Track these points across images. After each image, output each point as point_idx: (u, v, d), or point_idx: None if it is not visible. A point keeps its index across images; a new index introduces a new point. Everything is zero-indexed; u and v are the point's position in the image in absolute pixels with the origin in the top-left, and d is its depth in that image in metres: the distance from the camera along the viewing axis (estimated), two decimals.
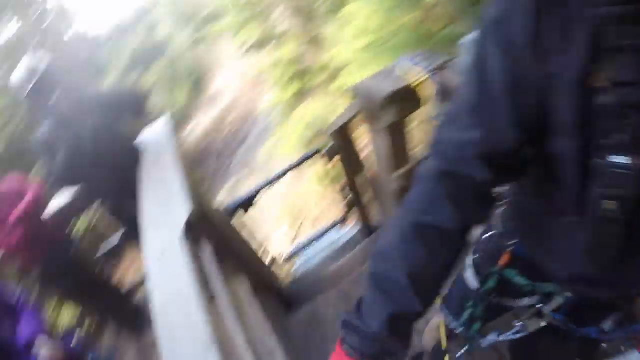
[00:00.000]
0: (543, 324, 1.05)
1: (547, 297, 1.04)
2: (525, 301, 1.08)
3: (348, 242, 4.28)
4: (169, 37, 14.65)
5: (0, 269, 3.49)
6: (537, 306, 1.06)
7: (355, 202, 3.62)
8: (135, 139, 2.72)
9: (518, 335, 1.09)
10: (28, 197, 2.88)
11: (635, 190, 0.63)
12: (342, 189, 3.66)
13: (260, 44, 8.83)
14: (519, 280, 1.03)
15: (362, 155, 3.12)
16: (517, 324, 1.09)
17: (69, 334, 2.32)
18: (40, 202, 2.97)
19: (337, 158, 3.31)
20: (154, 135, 2.60)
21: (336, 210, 5.20)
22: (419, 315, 0.78)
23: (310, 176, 3.72)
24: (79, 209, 3.65)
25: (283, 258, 3.97)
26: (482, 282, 1.12)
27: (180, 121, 14.30)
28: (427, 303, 0.78)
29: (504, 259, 1.05)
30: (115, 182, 2.71)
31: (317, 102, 7.88)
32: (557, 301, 1.01)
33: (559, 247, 0.89)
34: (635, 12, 0.56)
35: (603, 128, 0.63)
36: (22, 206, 2.83)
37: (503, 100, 0.71)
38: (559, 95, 0.65)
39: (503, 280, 1.08)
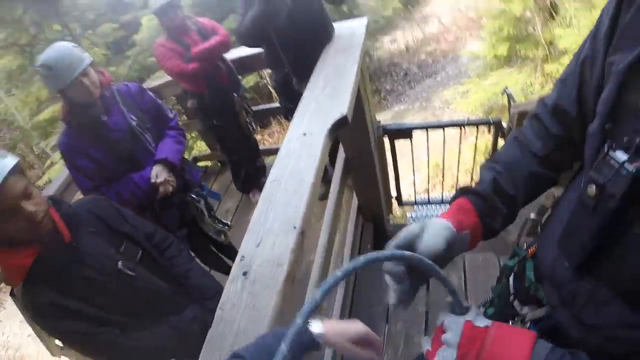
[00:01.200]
0: None
1: (538, 305, 1.02)
2: (525, 310, 1.06)
3: None
4: None
5: (168, 89, 3.97)
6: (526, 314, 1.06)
7: None
8: (328, 20, 2.77)
9: None
10: (216, 38, 3.21)
11: (619, 188, 0.66)
12: None
13: None
14: (530, 275, 1.02)
15: None
16: None
17: (194, 167, 2.62)
18: (225, 47, 3.28)
19: (504, 139, 3.13)
20: (348, 29, 2.63)
21: None
22: (510, 200, 0.94)
23: (474, 142, 3.56)
24: (253, 66, 3.96)
25: (406, 200, 3.98)
26: (510, 258, 1.16)
27: (383, 28, 14.20)
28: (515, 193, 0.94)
29: (532, 249, 1.06)
30: (295, 55, 2.84)
31: (522, 74, 7.29)
32: (540, 312, 0.98)
33: (547, 235, 0.95)
34: None
35: (624, 124, 0.67)
36: (208, 43, 3.17)
37: (576, 75, 0.82)
38: (608, 83, 0.71)
39: (521, 270, 1.08)
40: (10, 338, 7.03)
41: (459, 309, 0.79)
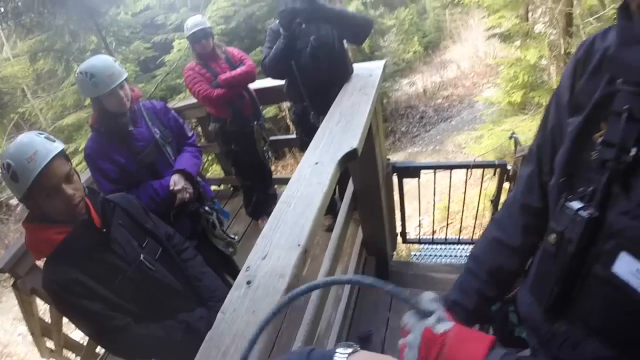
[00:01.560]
0: None
1: (522, 347, 1.06)
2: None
3: None
4: None
5: (190, 111, 4.15)
6: None
7: None
8: (347, 60, 2.93)
9: None
10: (243, 68, 3.41)
11: (575, 233, 0.73)
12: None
13: (508, 35, 8.37)
14: (512, 317, 1.10)
15: None
16: None
17: (208, 182, 2.77)
18: (250, 77, 3.47)
19: (508, 184, 3.21)
20: (366, 70, 2.79)
21: (481, 230, 5.04)
22: (496, 299, 1.08)
23: (484, 186, 3.65)
24: (275, 97, 4.12)
25: (410, 239, 4.05)
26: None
27: (403, 71, 14.51)
28: (500, 292, 1.07)
29: (515, 291, 1.12)
30: (314, 90, 3.00)
31: (535, 121, 7.39)
32: (526, 352, 1.03)
33: (526, 281, 1.01)
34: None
35: (579, 176, 0.77)
36: (235, 72, 3.37)
37: (548, 142, 0.90)
38: (564, 142, 0.81)
39: (505, 312, 1.14)
40: (0, 334, 7.07)
41: (422, 315, 0.84)
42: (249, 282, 1.18)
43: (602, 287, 0.72)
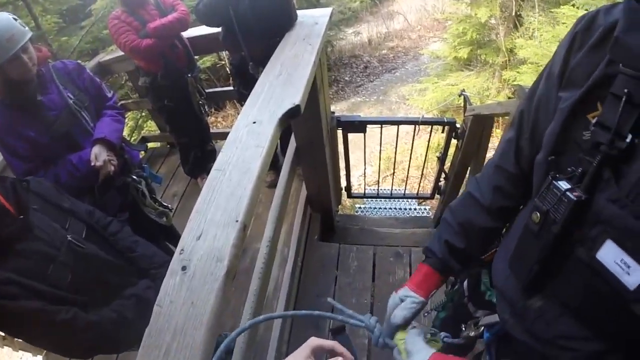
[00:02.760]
0: (472, 333, 1.13)
1: (491, 310, 1.10)
2: (479, 313, 1.16)
3: (415, 219, 4.24)
4: None
5: (119, 64, 3.80)
6: (480, 317, 1.15)
7: (444, 191, 3.52)
8: (291, 7, 2.72)
9: (457, 342, 1.16)
10: (175, 14, 3.08)
11: (561, 214, 0.72)
12: (442, 172, 3.56)
13: None
14: (486, 281, 1.14)
15: (480, 156, 2.95)
16: (462, 334, 1.18)
17: (134, 147, 2.52)
18: (183, 25, 3.16)
19: (456, 141, 3.19)
20: (311, 18, 2.58)
21: (427, 184, 5.11)
22: (464, 252, 1.10)
23: (426, 140, 3.65)
24: (211, 47, 3.84)
25: (355, 193, 4.01)
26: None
27: (348, 20, 14.23)
28: (469, 247, 1.09)
29: (489, 256, 1.17)
30: (253, 39, 2.79)
31: (480, 78, 7.50)
32: (494, 318, 1.06)
33: (502, 250, 1.04)
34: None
35: (569, 155, 0.75)
36: (166, 19, 3.04)
37: (531, 113, 0.89)
38: (555, 118, 0.78)
39: (476, 274, 1.20)
40: None
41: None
42: (184, 268, 1.03)
43: (583, 270, 0.72)
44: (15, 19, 1.90)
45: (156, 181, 2.58)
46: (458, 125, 3.15)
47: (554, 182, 0.75)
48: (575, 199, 0.70)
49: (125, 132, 5.63)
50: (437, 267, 1.12)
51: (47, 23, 7.00)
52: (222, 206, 1.16)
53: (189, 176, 3.99)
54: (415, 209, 4.97)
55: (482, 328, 1.11)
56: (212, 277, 1.00)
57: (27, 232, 1.43)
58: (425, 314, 1.30)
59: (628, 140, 0.63)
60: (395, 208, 5.04)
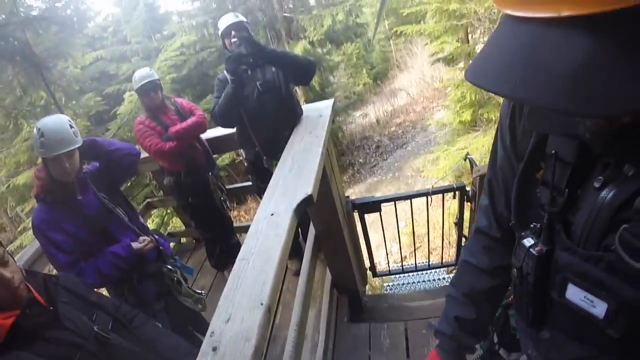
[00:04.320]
0: None
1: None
2: (514, 356, 1.16)
3: (446, 288, 4.20)
4: (368, 23, 15.15)
5: (144, 165, 4.05)
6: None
7: None
8: (296, 102, 2.99)
9: None
10: (193, 118, 3.40)
11: (530, 268, 0.80)
12: (462, 237, 3.61)
13: (452, 58, 8.71)
14: (513, 322, 1.13)
15: None
16: None
17: (166, 239, 2.70)
18: (201, 127, 3.46)
19: (470, 204, 3.28)
20: (315, 111, 2.84)
21: (452, 251, 5.11)
22: (477, 322, 1.13)
23: (447, 206, 3.75)
24: (228, 146, 4.14)
25: (380, 271, 4.06)
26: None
27: (354, 103, 14.86)
28: (480, 314, 1.13)
29: (510, 298, 1.16)
30: (264, 135, 3.03)
31: (487, 137, 7.63)
32: (524, 357, 1.07)
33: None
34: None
35: (531, 212, 0.82)
36: (185, 123, 3.36)
37: (499, 182, 0.96)
38: (513, 184, 0.85)
39: (506, 317, 1.18)
40: None
41: None
42: (214, 349, 1.13)
43: (563, 308, 0.78)
44: (71, 126, 2.17)
45: (188, 272, 2.71)
46: (468, 189, 3.25)
47: (521, 240, 0.82)
48: (537, 254, 0.78)
49: (152, 228, 5.87)
50: (447, 348, 1.15)
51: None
52: (248, 292, 1.28)
53: (216, 269, 4.10)
54: (444, 278, 4.93)
55: None
56: (241, 355, 1.08)
57: (57, 322, 1.51)
58: None
59: (566, 195, 0.72)
60: (424, 281, 5.01)
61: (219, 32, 3.05)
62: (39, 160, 2.21)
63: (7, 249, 1.38)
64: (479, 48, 7.75)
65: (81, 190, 2.26)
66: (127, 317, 1.89)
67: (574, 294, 0.73)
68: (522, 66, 0.47)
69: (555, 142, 0.73)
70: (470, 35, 8.16)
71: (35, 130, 2.12)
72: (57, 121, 2.14)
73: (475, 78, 0.51)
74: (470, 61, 0.58)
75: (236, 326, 1.18)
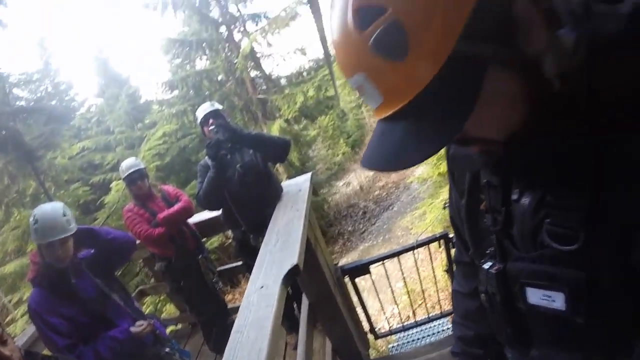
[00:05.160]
0: None
1: None
2: None
3: (451, 336, 4.19)
4: (339, 94, 15.84)
5: (135, 252, 4.14)
6: None
7: None
8: (275, 180, 3.16)
9: None
10: (180, 204, 3.56)
11: (494, 287, 0.88)
12: None
13: None
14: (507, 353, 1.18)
15: None
16: None
17: (162, 323, 2.73)
18: (188, 212, 3.61)
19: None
20: (295, 186, 3.01)
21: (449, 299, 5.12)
22: (478, 336, 1.21)
23: (436, 260, 3.84)
24: (215, 228, 4.25)
25: (381, 333, 4.05)
26: None
27: (335, 174, 15.16)
28: (478, 329, 1.20)
29: None
30: (248, 214, 3.17)
31: None
32: None
33: None
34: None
35: (483, 242, 0.91)
36: (173, 209, 3.51)
37: (459, 221, 1.04)
38: (465, 221, 0.96)
39: (498, 352, 1.21)
40: None
41: None
42: None
43: (533, 316, 0.86)
44: (65, 214, 2.27)
45: (185, 356, 2.70)
46: (451, 235, 3.36)
47: (481, 266, 0.90)
48: (495, 272, 0.86)
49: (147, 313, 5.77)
50: None
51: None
52: None
53: (214, 352, 4.03)
54: (448, 328, 4.90)
55: None
56: None
57: None
58: None
59: (503, 214, 0.82)
60: (428, 335, 4.97)
61: (197, 121, 3.28)
62: (30, 248, 2.30)
63: None
64: None
65: (75, 275, 2.33)
66: None
67: (534, 295, 0.81)
68: (378, 149, 0.67)
69: (484, 175, 0.86)
70: None
71: (31, 217, 2.23)
72: (51, 209, 2.26)
73: (363, 164, 0.69)
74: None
75: None
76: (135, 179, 3.48)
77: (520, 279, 0.83)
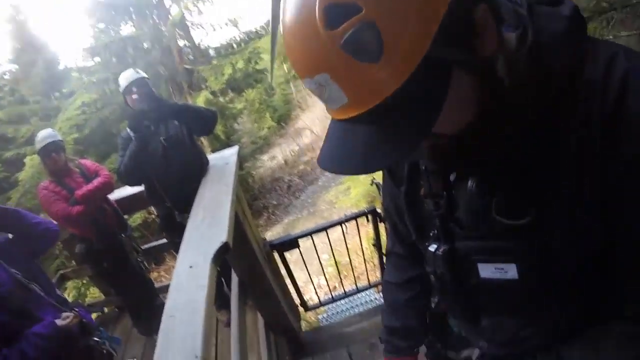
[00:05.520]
0: None
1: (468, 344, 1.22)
2: (465, 353, 1.23)
3: (379, 306, 4.32)
4: (267, 68, 15.67)
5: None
6: (471, 356, 1.23)
7: None
8: (201, 154, 3.03)
9: None
10: (99, 179, 3.30)
11: (442, 267, 0.91)
12: (383, 255, 3.76)
13: None
14: (454, 325, 1.23)
15: None
16: None
17: (88, 310, 2.53)
18: (108, 188, 3.37)
19: (384, 224, 3.44)
20: (221, 159, 2.88)
21: (378, 272, 5.27)
22: (403, 329, 1.26)
23: (363, 233, 3.89)
24: (138, 205, 4.03)
25: (311, 305, 4.08)
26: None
27: (261, 148, 15.01)
28: (405, 322, 1.25)
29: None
30: (173, 189, 3.02)
31: None
32: (477, 351, 1.17)
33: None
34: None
35: (427, 224, 0.93)
36: (92, 184, 3.25)
37: (393, 209, 1.08)
38: (405, 208, 0.97)
39: (442, 323, 1.27)
40: None
41: None
42: None
43: (483, 289, 0.89)
44: None
45: (116, 343, 2.55)
46: (379, 210, 3.42)
47: (427, 248, 0.93)
48: (441, 254, 0.89)
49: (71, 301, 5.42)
50: (388, 350, 1.30)
51: None
52: (180, 348, 1.26)
53: (144, 335, 3.87)
54: (376, 299, 5.05)
55: None
56: None
57: None
58: None
59: (444, 197, 0.84)
60: (357, 305, 5.10)
61: (120, 89, 3.03)
62: None
63: None
64: None
65: None
66: None
67: (486, 270, 0.85)
68: (337, 149, 0.67)
69: (424, 161, 0.86)
70: None
71: None
72: None
73: (324, 166, 0.68)
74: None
75: None
76: (50, 151, 3.18)
77: (471, 256, 0.86)
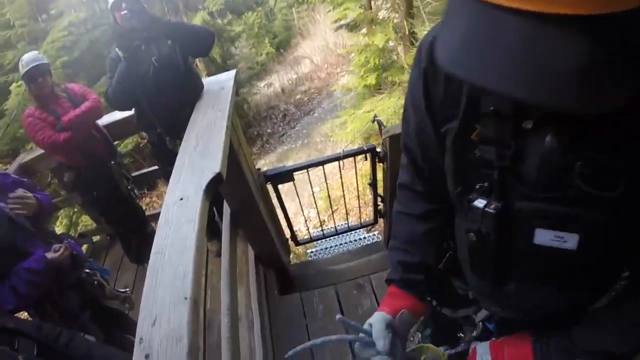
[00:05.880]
0: (475, 333, 1.14)
1: (470, 304, 1.15)
2: (463, 312, 1.18)
3: (368, 247, 4.33)
4: None
5: (42, 163, 3.73)
6: (472, 316, 1.16)
7: (385, 213, 3.64)
8: (196, 77, 2.84)
9: (462, 348, 1.16)
10: (87, 104, 3.11)
11: (490, 227, 0.81)
12: (378, 196, 3.69)
13: (354, 25, 8.75)
14: (459, 284, 1.15)
15: None
16: (461, 338, 1.19)
17: (77, 242, 2.47)
18: (96, 113, 3.19)
19: (382, 164, 3.34)
20: (217, 84, 2.69)
21: (369, 211, 5.25)
22: (421, 264, 1.11)
23: (358, 170, 3.79)
24: (128, 130, 3.88)
25: (302, 239, 4.06)
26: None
27: (257, 74, 14.59)
28: (423, 256, 1.11)
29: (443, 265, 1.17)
30: (165, 114, 2.87)
31: (392, 98, 7.80)
32: (485, 312, 1.11)
33: (463, 263, 1.05)
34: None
35: (473, 174, 0.81)
36: (79, 110, 3.06)
37: (416, 146, 0.97)
38: (447, 150, 0.85)
39: (443, 281, 1.18)
40: None
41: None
42: (147, 357, 1.04)
43: (530, 254, 0.80)
44: None
45: (105, 274, 2.52)
46: (379, 150, 3.30)
47: (472, 203, 0.82)
48: (494, 211, 0.78)
49: (61, 231, 5.41)
50: (400, 285, 1.14)
51: None
52: (169, 287, 1.19)
53: (136, 264, 3.88)
54: (365, 238, 5.05)
55: (481, 324, 1.14)
56: (176, 357, 1.01)
57: None
58: (411, 338, 1.27)
59: (513, 147, 0.73)
60: (345, 242, 5.11)
61: (108, 5, 2.75)
62: None
63: None
64: (382, 15, 7.88)
65: None
66: (50, 337, 1.74)
67: (543, 236, 0.75)
68: (523, 64, 0.47)
69: (490, 101, 0.72)
70: (372, 2, 8.20)
71: None
72: None
73: (463, 71, 0.52)
74: (438, 42, 0.55)
75: (164, 328, 1.09)
76: (35, 75, 2.94)
77: (531, 220, 0.75)
